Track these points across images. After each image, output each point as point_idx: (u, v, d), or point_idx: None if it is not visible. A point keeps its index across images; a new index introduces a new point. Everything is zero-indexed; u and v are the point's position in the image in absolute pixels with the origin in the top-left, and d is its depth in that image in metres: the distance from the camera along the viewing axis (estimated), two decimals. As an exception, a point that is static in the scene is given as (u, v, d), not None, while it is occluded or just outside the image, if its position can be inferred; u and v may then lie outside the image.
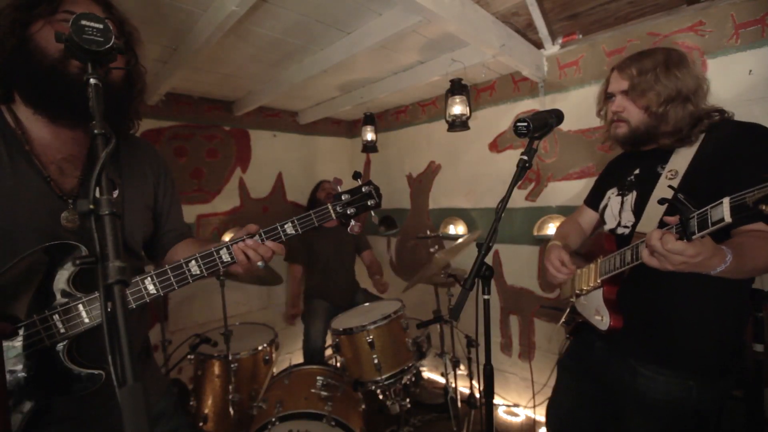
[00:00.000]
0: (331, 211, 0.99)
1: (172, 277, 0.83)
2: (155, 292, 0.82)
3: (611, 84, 1.18)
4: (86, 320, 0.75)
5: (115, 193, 0.87)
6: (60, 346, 0.74)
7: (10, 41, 0.72)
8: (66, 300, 0.74)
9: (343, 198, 1.00)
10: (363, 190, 1.03)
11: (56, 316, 0.73)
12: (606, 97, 1.21)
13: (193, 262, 0.85)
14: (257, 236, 0.91)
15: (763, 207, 0.66)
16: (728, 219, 0.71)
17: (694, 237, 0.77)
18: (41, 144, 0.80)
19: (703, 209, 0.76)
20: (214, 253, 0.87)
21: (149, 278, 0.81)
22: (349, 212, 1.00)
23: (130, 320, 0.88)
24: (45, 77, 0.73)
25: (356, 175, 1.04)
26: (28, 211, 0.75)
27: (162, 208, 1.03)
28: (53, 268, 0.74)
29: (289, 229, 0.94)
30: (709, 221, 0.75)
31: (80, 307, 0.75)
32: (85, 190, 0.83)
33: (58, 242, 0.74)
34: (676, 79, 1.05)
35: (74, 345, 0.75)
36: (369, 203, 1.03)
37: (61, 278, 0.74)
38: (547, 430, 1.44)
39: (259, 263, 0.89)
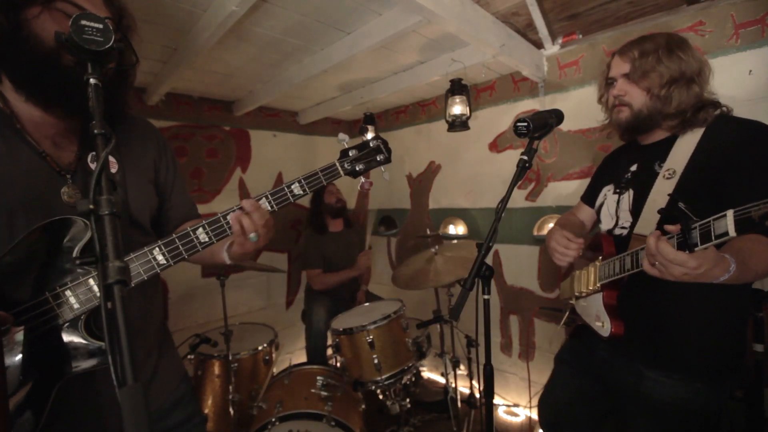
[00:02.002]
0: (339, 168, 0.94)
1: (180, 246, 0.81)
2: (165, 262, 0.80)
3: (612, 68, 1.16)
4: (98, 294, 0.74)
5: (116, 168, 0.85)
6: (76, 320, 0.73)
7: (2, 24, 0.70)
8: (75, 275, 0.74)
9: (350, 154, 0.95)
10: (371, 144, 0.97)
11: (68, 292, 0.72)
12: (607, 82, 1.19)
13: (201, 229, 0.83)
14: (264, 198, 0.88)
15: None
16: (733, 233, 0.69)
17: (696, 249, 0.76)
18: (32, 121, 0.78)
19: (706, 221, 0.74)
20: (221, 219, 0.85)
21: (158, 248, 0.79)
22: (357, 168, 0.95)
23: (140, 298, 0.87)
24: (39, 67, 0.71)
25: (362, 130, 1.02)
26: (26, 187, 0.75)
27: (165, 182, 1.01)
28: (58, 244, 0.73)
29: (296, 189, 0.90)
30: (713, 234, 0.72)
31: (91, 281, 0.74)
32: (83, 165, 0.81)
33: (59, 218, 0.73)
34: (679, 59, 1.03)
35: (91, 318, 0.75)
36: (378, 158, 0.97)
37: (68, 254, 0.73)
38: (540, 422, 1.43)
39: (252, 235, 0.85)
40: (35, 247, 0.71)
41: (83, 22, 0.57)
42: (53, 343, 0.72)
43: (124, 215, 0.85)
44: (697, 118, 1.03)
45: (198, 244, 0.83)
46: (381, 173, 1.00)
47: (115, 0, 0.81)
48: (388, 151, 0.99)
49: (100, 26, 0.58)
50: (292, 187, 0.90)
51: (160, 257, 0.79)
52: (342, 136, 0.98)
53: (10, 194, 0.73)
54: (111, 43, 0.59)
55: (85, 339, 0.73)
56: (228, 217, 0.85)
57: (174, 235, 0.81)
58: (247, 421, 1.92)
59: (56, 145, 0.81)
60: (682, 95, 1.03)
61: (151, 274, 0.79)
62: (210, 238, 0.84)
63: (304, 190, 0.91)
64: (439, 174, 3.00)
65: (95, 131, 0.54)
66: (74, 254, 0.72)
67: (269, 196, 0.88)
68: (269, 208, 0.88)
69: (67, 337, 0.73)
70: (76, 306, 0.73)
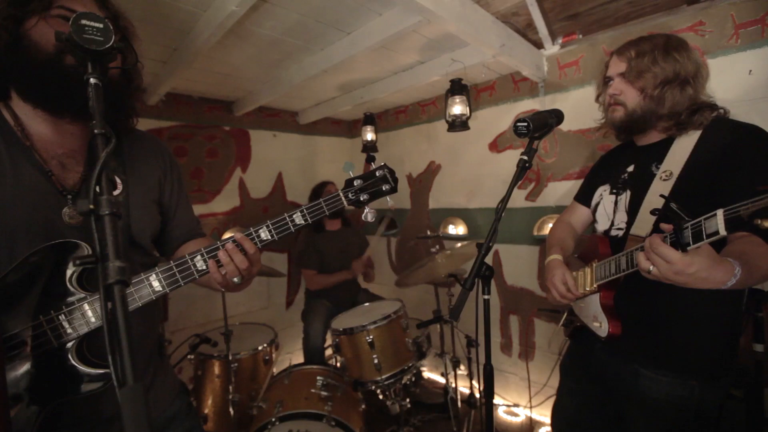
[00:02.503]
0: (343, 198, 0.92)
1: (177, 273, 0.80)
2: (161, 289, 0.79)
3: (610, 68, 1.17)
4: (92, 319, 0.73)
5: (120, 188, 0.85)
6: (69, 346, 0.72)
7: (3, 38, 0.71)
8: (72, 299, 0.73)
9: (355, 184, 0.94)
10: (377, 174, 0.95)
11: (62, 317, 0.72)
12: (605, 81, 1.20)
13: (199, 256, 0.82)
14: (265, 227, 0.86)
15: (758, 221, 0.65)
16: (723, 232, 0.70)
17: (689, 248, 0.76)
18: (41, 140, 0.79)
19: (697, 220, 0.75)
20: (220, 247, 0.83)
21: (154, 275, 0.79)
22: (362, 199, 0.93)
23: (136, 318, 0.85)
24: (41, 72, 0.72)
25: (370, 159, 0.98)
26: (29, 208, 0.74)
27: (169, 202, 1.00)
28: (57, 267, 0.72)
29: (298, 218, 0.88)
30: (704, 233, 0.74)
31: (86, 306, 0.73)
32: (87, 187, 0.81)
33: (60, 241, 0.72)
34: (675, 61, 1.04)
35: (83, 344, 0.74)
36: (384, 188, 0.95)
37: (65, 277, 0.73)
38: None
39: (235, 279, 0.83)
40: (34, 269, 0.70)
41: (83, 22, 0.57)
42: (44, 368, 0.70)
43: (125, 237, 0.85)
44: (691, 120, 1.04)
45: (195, 272, 0.82)
46: (386, 202, 0.98)
47: (109, 3, 0.81)
48: (395, 180, 0.96)
49: (101, 26, 0.58)
50: (294, 216, 0.88)
51: (156, 284, 0.79)
52: (348, 165, 0.97)
53: (13, 213, 0.73)
54: (111, 43, 0.58)
55: (75, 366, 0.72)
56: (224, 246, 0.84)
57: (172, 263, 0.81)
58: (247, 421, 1.92)
59: (62, 166, 0.81)
60: (675, 96, 1.04)
61: (146, 301, 0.78)
62: (208, 266, 0.83)
63: (305, 220, 0.89)
64: (439, 174, 3.00)
65: (95, 131, 0.54)
66: (75, 260, 0.72)
67: (270, 225, 0.87)
68: (269, 237, 0.87)
69: (58, 363, 0.72)
70: (69, 331, 0.72)
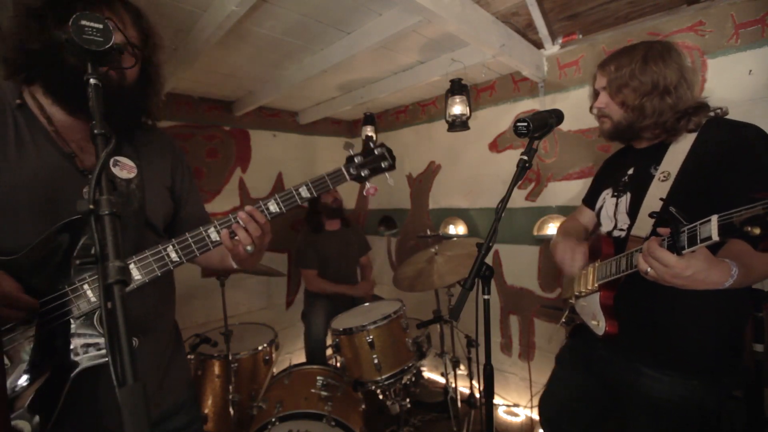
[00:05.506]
0: (345, 173, 0.97)
1: (192, 244, 0.84)
2: (178, 259, 0.83)
3: (596, 81, 1.21)
4: None
5: (135, 172, 0.89)
6: (95, 314, 0.75)
7: (34, 45, 0.74)
8: (93, 271, 0.76)
9: (356, 160, 0.98)
10: (376, 152, 1.00)
11: (86, 286, 0.75)
12: (594, 93, 1.24)
13: (212, 228, 0.86)
14: (273, 200, 0.90)
15: (749, 228, 0.66)
16: (716, 238, 0.72)
17: (684, 251, 0.78)
18: (63, 125, 0.82)
19: (693, 225, 0.77)
20: (231, 219, 0.87)
21: (171, 246, 0.83)
22: (363, 174, 0.98)
23: (155, 296, 0.90)
24: (67, 79, 0.75)
25: (368, 139, 1.04)
26: (51, 186, 0.78)
27: (181, 191, 1.04)
28: (78, 240, 0.76)
29: (303, 192, 0.93)
30: (698, 237, 0.76)
31: None
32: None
33: (80, 216, 0.75)
34: (653, 72, 1.06)
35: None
36: (383, 165, 1.00)
37: (86, 250, 0.76)
38: (540, 419, 1.44)
39: (249, 247, 0.87)
40: (58, 242, 0.74)
41: (83, 23, 0.57)
42: (70, 334, 0.74)
43: (140, 216, 0.89)
44: (677, 126, 1.06)
45: (209, 243, 0.86)
46: (386, 179, 1.03)
47: (144, 21, 0.85)
48: (393, 158, 1.02)
49: (100, 26, 0.59)
50: (300, 190, 0.92)
51: (173, 254, 0.83)
52: (348, 144, 1.01)
53: (37, 192, 0.76)
54: (111, 43, 0.59)
55: (99, 332, 0.75)
56: (237, 218, 0.87)
57: (187, 234, 0.84)
58: (247, 421, 1.92)
59: (81, 149, 0.84)
60: (655, 106, 1.06)
61: (164, 270, 0.81)
62: (221, 236, 0.87)
63: (311, 193, 0.94)
64: (439, 174, 3.00)
65: (95, 131, 0.55)
66: (74, 254, 0.74)
67: (277, 198, 0.91)
68: (277, 210, 0.91)
69: (83, 330, 0.75)
70: (93, 300, 0.75)
